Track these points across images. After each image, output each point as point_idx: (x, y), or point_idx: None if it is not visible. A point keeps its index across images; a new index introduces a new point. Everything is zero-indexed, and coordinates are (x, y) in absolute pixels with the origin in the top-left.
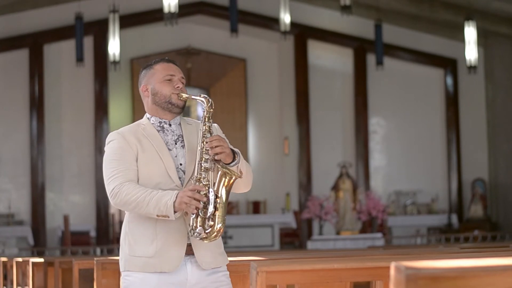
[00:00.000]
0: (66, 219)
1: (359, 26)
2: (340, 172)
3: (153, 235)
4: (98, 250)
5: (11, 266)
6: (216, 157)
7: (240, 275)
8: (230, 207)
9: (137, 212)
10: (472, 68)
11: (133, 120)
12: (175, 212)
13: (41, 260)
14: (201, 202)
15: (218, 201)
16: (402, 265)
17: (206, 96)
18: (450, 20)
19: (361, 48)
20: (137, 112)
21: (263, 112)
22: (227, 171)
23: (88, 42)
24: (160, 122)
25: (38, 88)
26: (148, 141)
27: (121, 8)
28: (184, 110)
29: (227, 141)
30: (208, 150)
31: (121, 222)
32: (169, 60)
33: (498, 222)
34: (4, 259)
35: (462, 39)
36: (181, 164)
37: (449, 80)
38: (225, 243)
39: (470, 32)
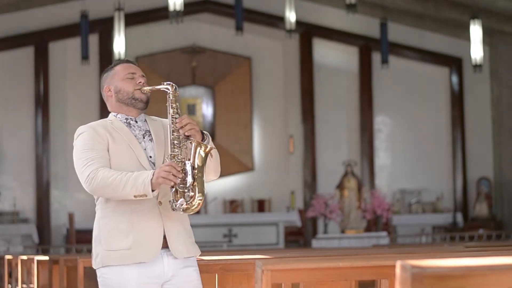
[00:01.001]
0: (71, 217)
1: (364, 24)
2: (345, 171)
3: (129, 227)
4: None
5: (16, 264)
6: (186, 133)
7: (245, 273)
8: (235, 205)
9: (113, 195)
10: (477, 67)
11: None
12: (153, 190)
13: (46, 258)
14: (178, 178)
15: (196, 171)
16: (408, 264)
17: (169, 82)
18: (455, 19)
19: (366, 47)
20: None
21: (268, 110)
22: (200, 143)
23: (93, 40)
24: (126, 119)
25: (43, 86)
26: (118, 133)
27: (127, 6)
28: (147, 105)
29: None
30: (177, 128)
31: None
32: (128, 60)
33: (503, 220)
34: (9, 257)
35: (467, 38)
36: (151, 157)
37: (454, 79)
38: (230, 241)
39: (476, 31)
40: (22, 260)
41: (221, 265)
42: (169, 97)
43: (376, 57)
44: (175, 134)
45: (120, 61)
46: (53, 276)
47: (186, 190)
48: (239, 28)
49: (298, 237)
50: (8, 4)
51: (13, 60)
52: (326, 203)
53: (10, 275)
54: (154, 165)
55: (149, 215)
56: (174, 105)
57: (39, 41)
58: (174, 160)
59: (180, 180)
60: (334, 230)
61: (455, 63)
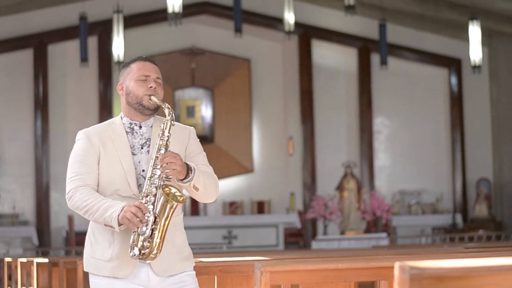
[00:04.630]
0: (70, 219)
1: (363, 26)
2: (345, 172)
3: (111, 239)
4: None
5: (16, 267)
6: (166, 174)
7: (244, 275)
8: (235, 207)
9: (88, 218)
10: (476, 68)
11: None
12: (120, 224)
13: (46, 260)
14: (142, 222)
15: (155, 226)
16: (407, 265)
17: (170, 107)
18: (454, 20)
19: (365, 48)
20: None
21: (267, 112)
22: (169, 198)
23: (93, 42)
24: (130, 124)
25: (42, 88)
26: (112, 144)
27: (125, 8)
28: (157, 111)
29: (184, 156)
30: (158, 167)
31: None
32: (146, 58)
33: (502, 221)
34: (8, 259)
35: (466, 39)
36: (143, 171)
37: (454, 80)
38: (229, 243)
39: (475, 32)
40: (21, 262)
41: (220, 266)
42: (163, 125)
43: (375, 58)
44: (155, 171)
45: (138, 58)
46: (52, 278)
47: (144, 240)
48: (238, 30)
49: (298, 239)
50: (7, 6)
51: (12, 63)
52: (325, 204)
53: (9, 278)
54: (145, 179)
55: (131, 230)
56: (163, 137)
57: (38, 43)
58: (144, 200)
59: (143, 225)
60: (334, 231)
61: (454, 64)
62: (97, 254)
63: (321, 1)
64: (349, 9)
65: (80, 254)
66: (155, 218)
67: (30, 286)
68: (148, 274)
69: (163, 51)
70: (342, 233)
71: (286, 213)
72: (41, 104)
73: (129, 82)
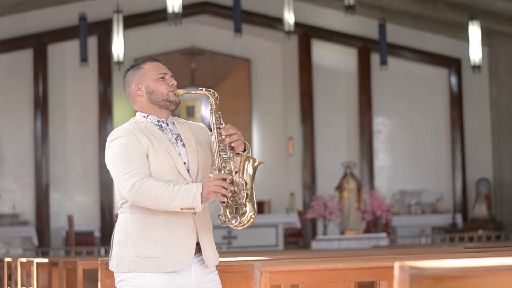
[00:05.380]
0: (70, 219)
1: (363, 26)
2: (345, 172)
3: (162, 235)
4: (102, 251)
5: (16, 267)
6: (232, 145)
7: (244, 275)
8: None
9: (158, 206)
10: (476, 68)
11: None
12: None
13: (46, 260)
14: (229, 192)
15: (247, 187)
16: (406, 265)
17: (209, 89)
18: (454, 20)
19: (365, 48)
20: None
21: (267, 112)
22: (248, 157)
23: (92, 42)
24: (158, 121)
25: (42, 89)
26: (155, 138)
27: (125, 8)
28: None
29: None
30: (223, 138)
31: None
32: (155, 59)
33: (502, 221)
34: (8, 259)
35: (466, 39)
36: (184, 163)
37: (453, 80)
38: (229, 243)
39: (474, 32)
40: (21, 262)
41: (220, 266)
42: (211, 105)
43: (375, 58)
44: (220, 145)
45: (147, 59)
46: (52, 278)
47: (237, 206)
48: (238, 29)
49: (298, 239)
50: (7, 6)
51: (12, 63)
52: (325, 204)
53: (9, 278)
54: (188, 171)
55: (183, 225)
56: (216, 114)
57: (38, 44)
58: (222, 172)
59: (231, 194)
60: (334, 231)
61: (454, 64)
62: (144, 253)
63: (321, 1)
64: (349, 9)
65: (80, 254)
66: (245, 182)
67: (30, 286)
68: (194, 270)
69: (163, 51)
70: (342, 233)
71: (286, 213)
72: (41, 104)
73: (149, 82)
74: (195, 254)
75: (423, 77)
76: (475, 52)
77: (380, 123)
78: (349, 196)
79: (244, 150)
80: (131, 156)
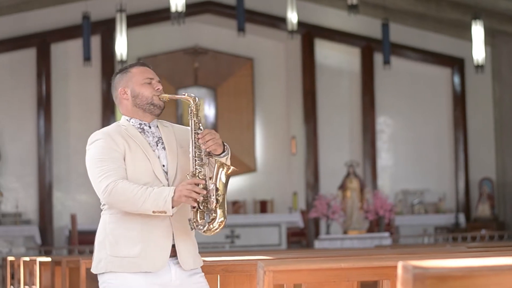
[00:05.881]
0: (73, 218)
1: (366, 25)
2: (347, 172)
3: (138, 236)
4: None
5: (18, 266)
6: (208, 149)
7: (247, 274)
8: (237, 206)
9: (131, 209)
10: (479, 67)
11: None
12: (172, 207)
13: (48, 259)
14: (201, 195)
15: (219, 193)
16: (410, 265)
17: (191, 94)
18: (457, 19)
19: (368, 47)
20: None
21: (270, 111)
22: (222, 164)
23: (95, 42)
24: (140, 124)
25: (45, 88)
26: (133, 141)
27: (128, 7)
28: (162, 112)
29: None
30: (200, 145)
31: None
32: (143, 63)
33: (505, 221)
34: (11, 258)
35: (469, 38)
36: (163, 166)
37: (456, 79)
38: (232, 242)
39: (478, 31)
40: (24, 261)
41: (223, 266)
42: (191, 110)
43: (378, 58)
44: (196, 150)
45: (135, 64)
46: (55, 277)
47: (207, 211)
48: (241, 29)
49: (301, 238)
50: (10, 5)
51: (15, 62)
52: (328, 204)
53: (12, 277)
54: (167, 174)
55: (159, 226)
56: (195, 119)
57: (41, 43)
58: (195, 178)
59: (202, 200)
60: (337, 231)
61: (457, 63)
62: (121, 253)
63: (324, 0)
64: (352, 8)
65: (83, 253)
66: (216, 188)
67: (33, 285)
68: (174, 271)
69: (166, 50)
70: (345, 232)
71: (289, 213)
72: (44, 103)
73: (135, 86)
74: (174, 256)
75: (426, 77)
76: (478, 51)
77: (383, 123)
78: (352, 195)
79: (223, 152)
80: (107, 158)
